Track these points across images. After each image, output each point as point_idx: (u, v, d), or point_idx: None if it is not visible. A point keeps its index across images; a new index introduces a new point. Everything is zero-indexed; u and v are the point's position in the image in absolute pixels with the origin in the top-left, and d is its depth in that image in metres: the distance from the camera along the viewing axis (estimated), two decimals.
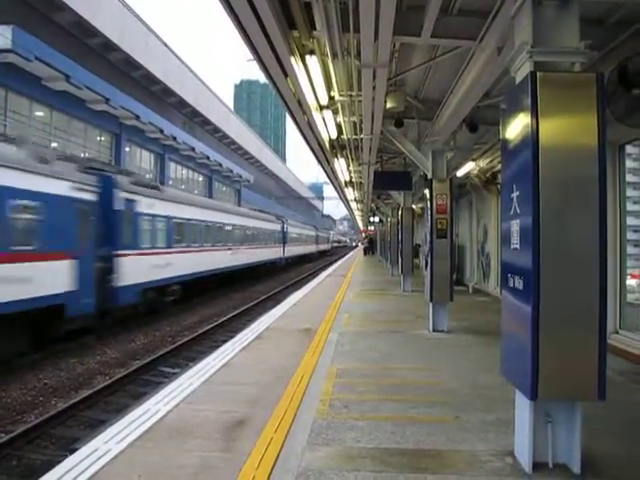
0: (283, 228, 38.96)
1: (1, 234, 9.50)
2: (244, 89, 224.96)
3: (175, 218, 17.74)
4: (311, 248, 55.51)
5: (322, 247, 67.31)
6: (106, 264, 13.05)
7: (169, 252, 17.03)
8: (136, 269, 14.30)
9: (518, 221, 3.93)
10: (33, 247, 10.33)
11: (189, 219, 19.22)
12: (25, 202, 10.23)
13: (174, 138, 29.51)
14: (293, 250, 42.78)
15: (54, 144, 20.51)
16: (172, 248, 17.34)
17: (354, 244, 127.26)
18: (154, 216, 16.01)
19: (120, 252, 13.58)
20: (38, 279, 10.30)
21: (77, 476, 3.72)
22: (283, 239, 38.59)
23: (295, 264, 44.66)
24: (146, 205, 15.28)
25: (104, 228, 12.92)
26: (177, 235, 18.00)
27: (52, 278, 10.85)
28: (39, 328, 10.77)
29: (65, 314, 11.13)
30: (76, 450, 4.40)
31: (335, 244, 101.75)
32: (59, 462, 4.10)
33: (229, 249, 24.15)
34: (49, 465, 5.05)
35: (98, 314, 12.57)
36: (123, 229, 13.83)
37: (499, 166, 12.65)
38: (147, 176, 28.87)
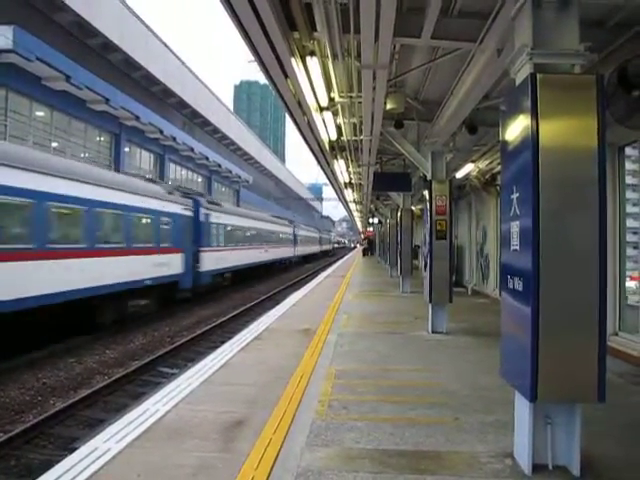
0: (294, 231, 46.03)
1: (155, 237, 16.21)
2: (244, 90, 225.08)
3: (228, 225, 24.42)
4: (316, 248, 63.55)
5: (325, 247, 75.86)
6: (194, 256, 19.39)
7: (226, 249, 23.60)
8: (209, 260, 20.65)
9: (518, 222, 3.93)
10: (168, 245, 17.07)
11: (236, 225, 26.25)
12: (164, 218, 16.90)
13: (174, 139, 29.52)
14: (301, 250, 49.73)
15: (54, 144, 20.51)
16: (227, 247, 23.88)
17: (352, 245, 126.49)
18: (218, 224, 22.48)
19: (201, 249, 19.99)
20: (170, 264, 17.12)
21: (76, 476, 3.72)
22: (294, 240, 45.52)
23: (298, 263, 49.37)
24: (214, 217, 21.89)
25: (194, 233, 19.48)
26: (230, 237, 24.65)
27: (175, 264, 17.61)
28: (167, 295, 17.58)
29: (179, 287, 18.11)
30: (75, 450, 4.39)
31: (335, 245, 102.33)
32: (58, 462, 4.09)
33: (261, 248, 31.61)
34: (48, 465, 5.04)
35: (192, 289, 19.22)
36: (203, 234, 20.34)
37: (498, 168, 12.66)
38: (146, 176, 28.89)
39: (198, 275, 19.63)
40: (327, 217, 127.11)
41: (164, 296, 17.38)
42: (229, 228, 24.51)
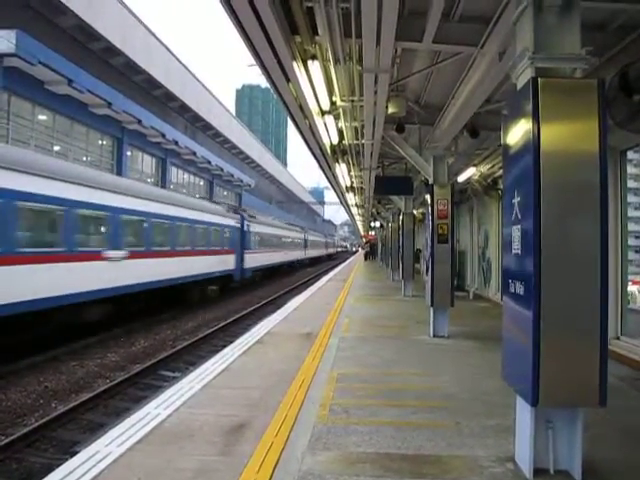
0: (305, 237, 52.10)
1: (221, 242, 22.53)
2: (245, 94, 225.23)
3: (261, 233, 30.64)
4: (322, 251, 70.30)
5: (330, 250, 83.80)
6: (240, 257, 25.47)
7: (260, 252, 30.13)
8: (250, 260, 26.99)
9: (519, 226, 3.93)
10: (227, 248, 23.43)
11: (266, 233, 32.32)
12: (225, 229, 23.47)
13: (176, 142, 29.56)
14: (310, 252, 55.93)
15: (56, 147, 20.56)
16: (261, 249, 30.40)
17: (354, 249, 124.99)
18: (255, 233, 28.73)
19: (245, 251, 26.20)
20: (228, 262, 23.42)
21: (77, 479, 3.72)
22: (305, 245, 51.50)
23: (307, 264, 54.74)
24: (252, 227, 28.07)
25: (240, 239, 25.58)
26: (262, 242, 30.83)
27: (231, 262, 24.00)
28: (226, 284, 23.97)
29: (232, 279, 24.52)
30: (76, 453, 4.39)
31: (337, 249, 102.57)
32: (59, 465, 4.09)
33: (282, 251, 37.98)
34: (49, 468, 5.04)
35: (240, 281, 25.82)
36: (246, 240, 26.54)
37: (500, 172, 12.68)
38: (148, 180, 28.96)
39: (243, 271, 26.02)
40: (329, 221, 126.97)
41: (224, 285, 23.95)
42: (261, 236, 30.97)
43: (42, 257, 10.80)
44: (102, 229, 13.52)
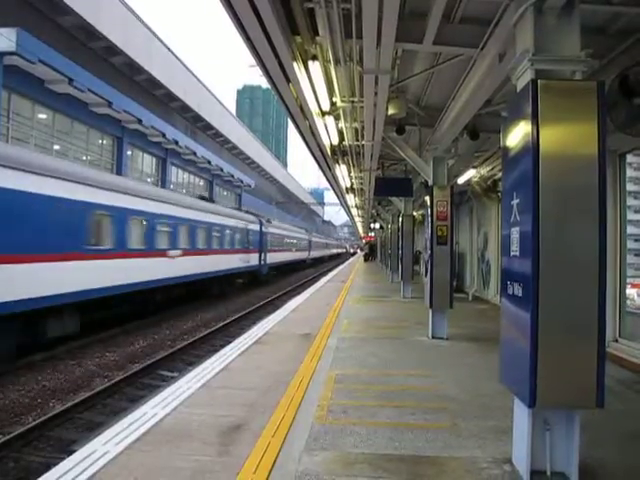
0: (310, 238, 56.49)
1: (248, 243, 27.26)
2: (246, 94, 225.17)
3: (275, 235, 35.72)
4: (325, 252, 75.58)
5: (333, 251, 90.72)
6: (262, 255, 30.24)
7: (276, 250, 35.70)
8: (269, 258, 32.03)
9: (518, 228, 3.93)
10: (253, 248, 28.20)
11: (279, 234, 37.73)
12: (250, 232, 27.91)
13: (176, 142, 29.52)
14: (313, 253, 59.73)
15: (56, 147, 20.54)
16: (277, 248, 35.93)
17: (352, 251, 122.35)
18: (271, 234, 33.76)
19: (265, 250, 30.97)
20: (254, 259, 28.46)
21: (74, 478, 3.72)
22: (309, 246, 55.59)
23: (311, 264, 57.82)
24: (269, 229, 32.96)
25: (260, 240, 30.11)
26: (277, 242, 36.41)
27: (255, 259, 28.79)
28: (252, 279, 29.61)
29: (258, 274, 30.00)
30: (73, 452, 4.39)
31: (333, 250, 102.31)
32: (56, 464, 4.09)
33: (291, 250, 43.22)
34: (46, 467, 5.04)
35: (263, 276, 30.78)
36: (265, 241, 31.21)
37: (500, 174, 12.68)
38: (148, 180, 28.96)
39: (264, 267, 30.86)
40: (329, 222, 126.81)
41: (250, 279, 29.58)
42: (276, 237, 36.07)
43: (145, 253, 15.56)
44: (171, 233, 17.62)
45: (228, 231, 24.04)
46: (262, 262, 30.40)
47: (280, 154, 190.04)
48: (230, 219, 24.67)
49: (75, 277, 11.73)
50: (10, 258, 9.67)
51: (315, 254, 61.40)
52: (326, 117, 8.56)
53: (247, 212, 30.77)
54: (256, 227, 29.58)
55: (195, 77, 37.08)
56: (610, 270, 6.28)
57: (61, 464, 4.00)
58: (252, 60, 6.90)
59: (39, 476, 3.86)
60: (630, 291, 8.34)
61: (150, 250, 15.77)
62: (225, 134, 43.41)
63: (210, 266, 21.20)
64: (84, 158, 22.41)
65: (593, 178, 3.66)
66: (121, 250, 13.91)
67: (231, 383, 6.41)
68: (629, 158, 8.22)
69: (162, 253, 16.62)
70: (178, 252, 17.77)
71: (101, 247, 13.03)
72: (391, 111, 8.48)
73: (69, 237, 11.54)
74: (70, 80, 18.68)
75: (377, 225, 38.20)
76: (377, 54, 5.57)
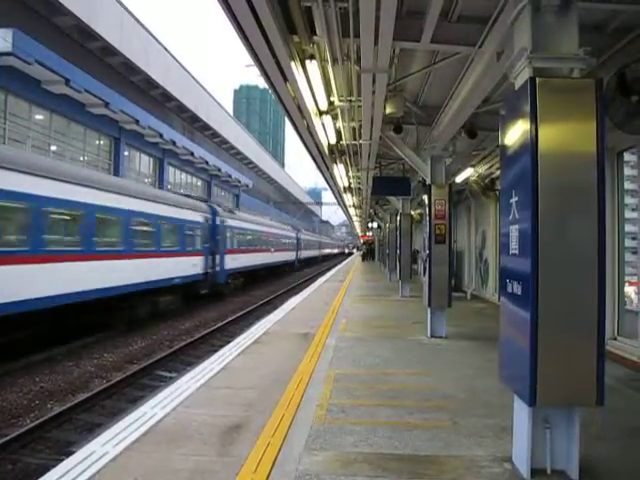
0: (298, 236, 52.19)
1: (285, 245, 40.51)
2: (243, 94, 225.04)
3: (304, 240, 43.56)
4: (319, 252, 73.37)
5: (337, 250, 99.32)
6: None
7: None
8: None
9: (517, 226, 3.93)
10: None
11: (306, 240, 45.67)
12: (288, 237, 42.08)
13: (173, 142, 29.49)
14: (303, 254, 55.84)
15: (53, 147, 20.50)
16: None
17: (346, 251, 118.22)
18: (303, 239, 46.05)
19: (298, 250, 44.84)
20: (290, 255, 42.06)
21: (73, 479, 3.70)
22: (298, 245, 50.75)
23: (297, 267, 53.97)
24: (302, 236, 44.64)
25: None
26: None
27: (292, 255, 43.72)
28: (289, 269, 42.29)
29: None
30: (72, 454, 4.37)
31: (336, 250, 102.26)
32: (55, 466, 4.07)
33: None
34: (44, 469, 5.02)
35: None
36: (300, 244, 46.40)
37: (498, 172, 12.69)
38: (145, 180, 28.92)
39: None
40: (326, 222, 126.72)
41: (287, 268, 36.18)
42: (305, 241, 41.38)
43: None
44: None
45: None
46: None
47: (277, 154, 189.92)
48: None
49: None
50: None
51: (306, 254, 54.01)
52: (324, 116, 8.55)
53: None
54: (292, 233, 32.60)
55: (192, 77, 37.03)
56: (608, 268, 6.26)
57: (60, 466, 3.99)
58: (249, 59, 6.89)
59: (38, 478, 3.84)
60: (628, 289, 8.33)
61: None
62: (222, 134, 43.37)
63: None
64: (81, 159, 22.36)
65: (592, 176, 3.65)
66: None
67: (230, 383, 6.40)
68: (626, 156, 8.21)
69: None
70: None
71: None
72: (389, 110, 8.48)
73: None
74: (67, 80, 18.66)
75: (375, 224, 38.24)
76: (374, 53, 5.56)
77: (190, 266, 18.84)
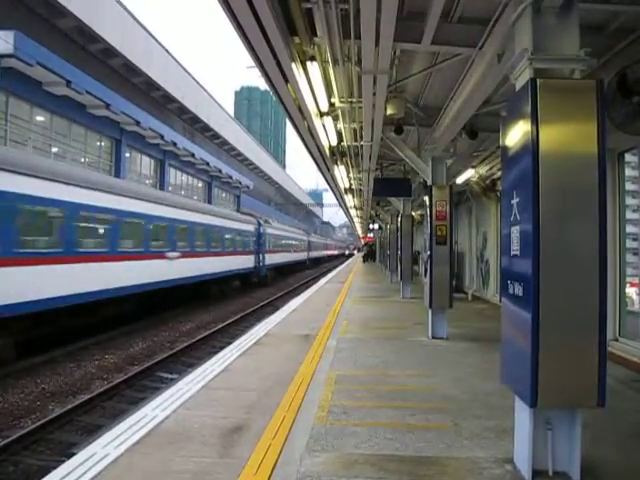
0: (309, 239, 59.87)
1: (301, 247, 50.44)
2: (244, 95, 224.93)
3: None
4: (324, 253, 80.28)
5: (332, 252, 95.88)
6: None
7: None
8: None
9: (518, 227, 3.92)
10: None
11: (316, 242, 56.92)
12: (300, 241, 50.23)
13: (174, 144, 29.49)
14: (312, 254, 63.03)
15: (54, 149, 20.52)
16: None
17: (346, 252, 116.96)
18: (313, 242, 56.35)
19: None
20: (301, 255, 50.68)
21: None
22: (309, 247, 58.52)
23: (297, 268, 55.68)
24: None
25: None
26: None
27: (304, 255, 52.31)
28: (301, 266, 50.92)
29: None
30: (73, 455, 4.37)
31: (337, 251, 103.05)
32: (56, 467, 4.07)
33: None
34: (46, 470, 5.02)
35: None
36: (311, 246, 56.40)
37: (499, 173, 12.69)
38: (146, 182, 28.95)
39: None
40: (328, 223, 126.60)
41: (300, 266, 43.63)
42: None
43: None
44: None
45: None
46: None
47: (278, 155, 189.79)
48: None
49: None
50: None
51: (314, 254, 62.69)
52: (324, 118, 8.55)
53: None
54: (305, 237, 39.02)
55: (193, 78, 37.10)
56: (610, 269, 6.26)
57: (61, 467, 3.99)
58: (250, 61, 6.90)
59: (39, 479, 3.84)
60: (629, 290, 8.32)
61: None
62: (223, 135, 43.41)
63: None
64: (82, 160, 22.38)
65: (593, 177, 3.65)
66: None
67: (231, 384, 6.39)
68: (627, 157, 8.20)
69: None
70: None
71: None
72: (389, 111, 8.48)
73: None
74: (68, 82, 18.67)
75: (376, 226, 38.22)
76: (375, 54, 5.56)
77: (247, 261, 27.78)
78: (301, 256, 50.06)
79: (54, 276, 11.17)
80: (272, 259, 33.67)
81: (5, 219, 9.88)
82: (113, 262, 13.61)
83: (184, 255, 18.56)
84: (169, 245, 17.50)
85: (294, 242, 46.47)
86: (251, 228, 29.15)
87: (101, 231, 13.42)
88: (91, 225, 12.90)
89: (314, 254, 62.36)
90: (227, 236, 24.40)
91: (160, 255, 16.62)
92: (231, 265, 24.24)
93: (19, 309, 10.05)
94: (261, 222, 31.68)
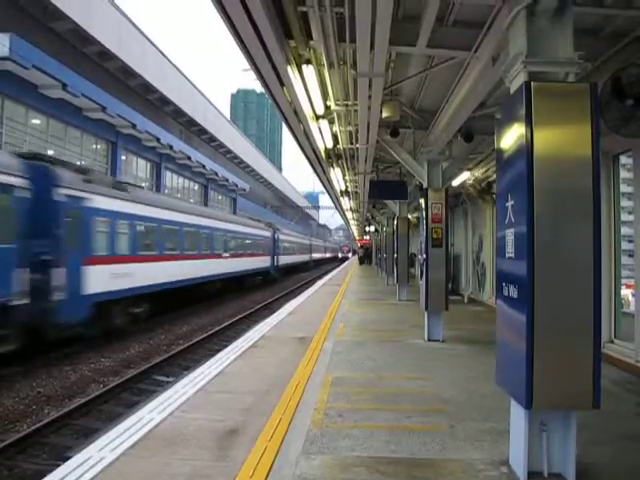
0: (311, 242, 65.73)
1: (305, 250, 59.76)
2: (240, 98, 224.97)
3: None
4: (323, 254, 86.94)
5: (330, 254, 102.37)
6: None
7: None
8: (315, 256, 66.75)
9: (513, 230, 3.94)
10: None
11: (287, 240, 45.04)
12: (305, 245, 59.11)
13: (170, 147, 29.48)
14: (314, 256, 69.24)
15: (50, 152, 20.48)
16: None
17: (340, 255, 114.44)
18: (315, 245, 66.36)
19: (312, 254, 63.92)
20: (305, 256, 58.60)
21: None
22: (311, 249, 64.48)
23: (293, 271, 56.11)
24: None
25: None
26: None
27: (307, 257, 59.60)
28: (305, 267, 58.54)
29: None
30: (69, 459, 4.36)
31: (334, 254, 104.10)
32: (51, 471, 4.06)
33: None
34: (41, 474, 5.00)
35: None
36: (312, 249, 63.99)
37: (494, 176, 12.70)
38: (143, 184, 28.94)
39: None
40: (324, 225, 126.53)
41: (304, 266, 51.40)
42: (315, 246, 45.45)
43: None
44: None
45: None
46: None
47: (274, 158, 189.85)
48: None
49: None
50: None
51: (315, 256, 70.92)
52: (320, 120, 8.56)
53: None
54: (307, 240, 45.07)
55: (189, 81, 37.11)
56: (605, 271, 6.27)
57: (56, 471, 3.98)
58: (246, 64, 6.91)
59: None
60: (625, 292, 8.35)
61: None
62: (219, 138, 43.42)
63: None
64: (78, 163, 22.34)
65: (587, 179, 3.67)
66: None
67: (227, 387, 6.39)
68: (622, 159, 8.24)
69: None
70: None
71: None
72: (385, 114, 8.49)
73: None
74: (64, 85, 18.65)
75: (372, 228, 38.26)
76: (371, 57, 5.58)
77: (265, 261, 33.78)
78: (305, 257, 58.27)
79: (176, 268, 18.29)
80: (283, 260, 40.61)
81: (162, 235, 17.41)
82: (201, 260, 21.17)
83: (231, 256, 25.45)
84: (223, 248, 24.42)
85: (299, 246, 54.12)
86: (269, 234, 35.67)
87: (198, 240, 21.09)
88: (193, 237, 20.50)
89: (316, 256, 70.95)
90: (255, 242, 31.73)
91: (219, 255, 23.64)
92: (258, 264, 31.58)
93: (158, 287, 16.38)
94: (276, 230, 38.40)
